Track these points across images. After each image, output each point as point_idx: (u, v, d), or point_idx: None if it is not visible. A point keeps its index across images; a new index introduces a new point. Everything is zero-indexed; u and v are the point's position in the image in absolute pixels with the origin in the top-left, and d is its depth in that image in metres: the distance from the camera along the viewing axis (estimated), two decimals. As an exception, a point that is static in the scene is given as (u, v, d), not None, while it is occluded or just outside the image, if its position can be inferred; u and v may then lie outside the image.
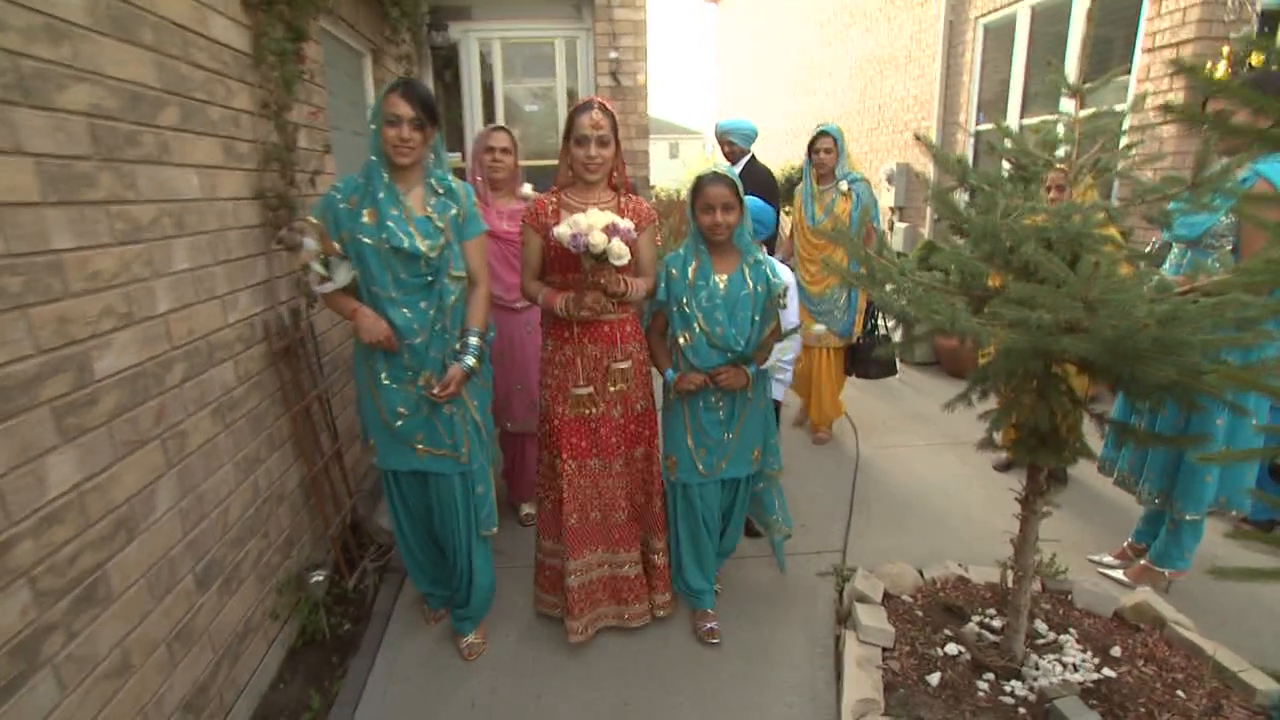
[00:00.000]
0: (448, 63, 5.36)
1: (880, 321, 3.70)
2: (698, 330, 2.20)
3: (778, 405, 2.79)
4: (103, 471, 1.49)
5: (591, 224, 1.94)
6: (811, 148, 3.65)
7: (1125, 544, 2.76)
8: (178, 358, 1.80)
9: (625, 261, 2.00)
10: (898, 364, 5.26)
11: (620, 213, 2.13)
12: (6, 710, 1.20)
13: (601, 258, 1.97)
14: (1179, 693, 1.95)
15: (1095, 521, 3.08)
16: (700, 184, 2.18)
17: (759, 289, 2.21)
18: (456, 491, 2.21)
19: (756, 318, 2.22)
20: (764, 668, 2.28)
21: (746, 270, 2.22)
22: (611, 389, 2.22)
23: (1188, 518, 2.38)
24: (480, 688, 2.22)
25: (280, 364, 2.40)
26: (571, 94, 5.42)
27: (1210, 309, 1.27)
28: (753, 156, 3.99)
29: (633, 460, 2.32)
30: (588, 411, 2.22)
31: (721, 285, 2.20)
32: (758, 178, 3.79)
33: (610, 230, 1.95)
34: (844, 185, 3.61)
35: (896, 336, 1.95)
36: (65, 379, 1.39)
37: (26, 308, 1.30)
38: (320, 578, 2.40)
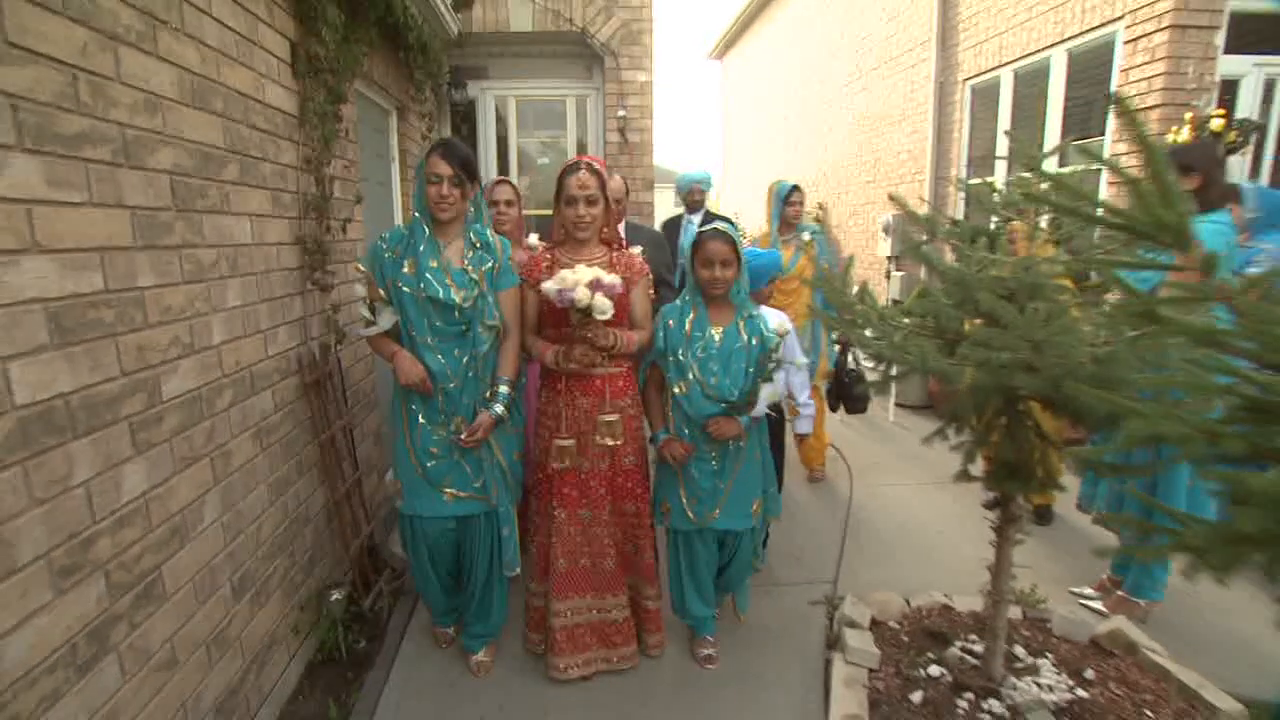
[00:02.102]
0: (465, 117, 5.71)
1: (854, 356, 3.90)
2: (693, 380, 2.27)
3: (802, 439, 2.89)
4: (164, 483, 1.68)
5: (577, 280, 2.02)
6: (786, 200, 3.85)
7: (1104, 576, 2.89)
8: (227, 385, 2.01)
9: (608, 316, 2.07)
10: (892, 407, 5.49)
11: (612, 267, 2.22)
12: (82, 687, 1.36)
13: (587, 312, 2.05)
14: (1147, 712, 2.07)
15: (1078, 556, 3.21)
16: (701, 240, 2.27)
17: (753, 342, 2.28)
18: (481, 531, 2.34)
19: (750, 369, 2.28)
20: (757, 689, 2.40)
21: (741, 324, 2.29)
22: (597, 441, 2.28)
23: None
24: (489, 704, 2.34)
25: (310, 395, 2.59)
26: (581, 146, 5.76)
27: (1134, 349, 1.46)
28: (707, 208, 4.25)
29: (623, 514, 2.38)
30: (569, 464, 2.28)
31: (717, 337, 2.28)
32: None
33: (594, 285, 2.03)
34: (806, 235, 3.87)
35: (870, 375, 2.14)
36: (140, 399, 1.59)
37: (116, 336, 1.51)
38: (339, 596, 2.55)
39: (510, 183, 3.03)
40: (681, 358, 2.29)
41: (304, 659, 2.47)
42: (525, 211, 3.16)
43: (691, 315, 2.31)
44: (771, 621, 2.78)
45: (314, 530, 2.61)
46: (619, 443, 2.29)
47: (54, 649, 1.30)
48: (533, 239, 3.08)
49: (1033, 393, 1.74)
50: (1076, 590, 2.90)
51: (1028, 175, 1.93)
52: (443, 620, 2.62)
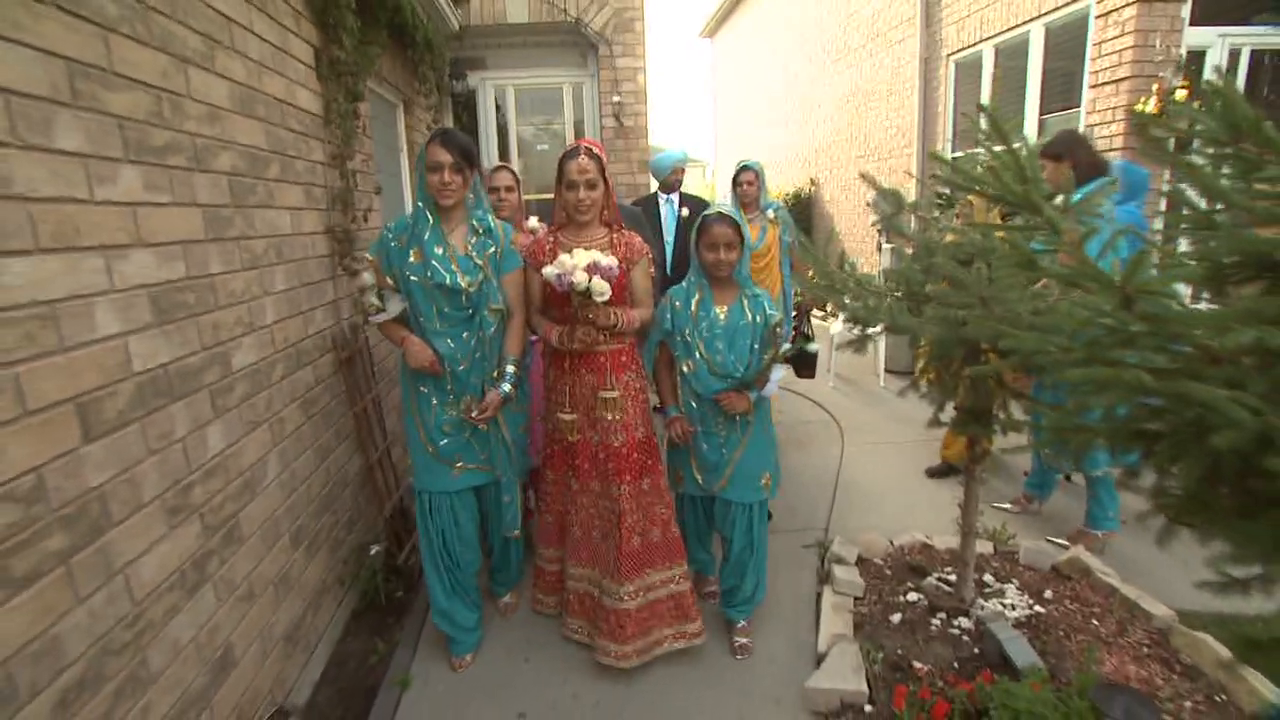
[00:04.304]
0: (466, 107, 5.91)
1: (806, 324, 4.15)
2: (699, 358, 2.36)
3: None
4: (237, 442, 1.95)
5: (575, 264, 2.08)
6: (735, 181, 3.95)
7: (1021, 494, 3.40)
8: (279, 359, 2.27)
9: (606, 298, 2.14)
10: (883, 373, 5.80)
11: (613, 248, 2.30)
12: (192, 605, 1.65)
13: (586, 295, 2.14)
14: (1094, 621, 2.36)
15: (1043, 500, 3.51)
16: (706, 223, 2.32)
17: (757, 319, 2.35)
18: (494, 497, 2.53)
19: (755, 346, 2.35)
20: (757, 619, 2.69)
21: (745, 302, 2.36)
22: (602, 415, 2.36)
23: (1097, 474, 2.84)
24: (517, 639, 2.64)
25: (344, 370, 2.86)
26: (578, 132, 5.97)
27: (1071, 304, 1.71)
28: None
29: (640, 492, 2.40)
30: (573, 437, 2.40)
31: (722, 316, 2.35)
32: (693, 204, 4.11)
33: (592, 269, 2.09)
34: (770, 214, 3.92)
35: (847, 336, 2.37)
36: (216, 370, 1.86)
37: (197, 316, 1.77)
38: (378, 549, 2.84)
39: (509, 168, 3.11)
40: (688, 337, 2.37)
41: (349, 606, 2.77)
42: (525, 196, 3.35)
43: (697, 296, 2.39)
44: (769, 563, 3.06)
45: (352, 492, 2.89)
46: (618, 416, 2.37)
47: (170, 572, 1.59)
48: (532, 222, 3.20)
49: (983, 342, 2.00)
50: (999, 504, 3.39)
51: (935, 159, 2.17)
52: (455, 644, 2.50)
